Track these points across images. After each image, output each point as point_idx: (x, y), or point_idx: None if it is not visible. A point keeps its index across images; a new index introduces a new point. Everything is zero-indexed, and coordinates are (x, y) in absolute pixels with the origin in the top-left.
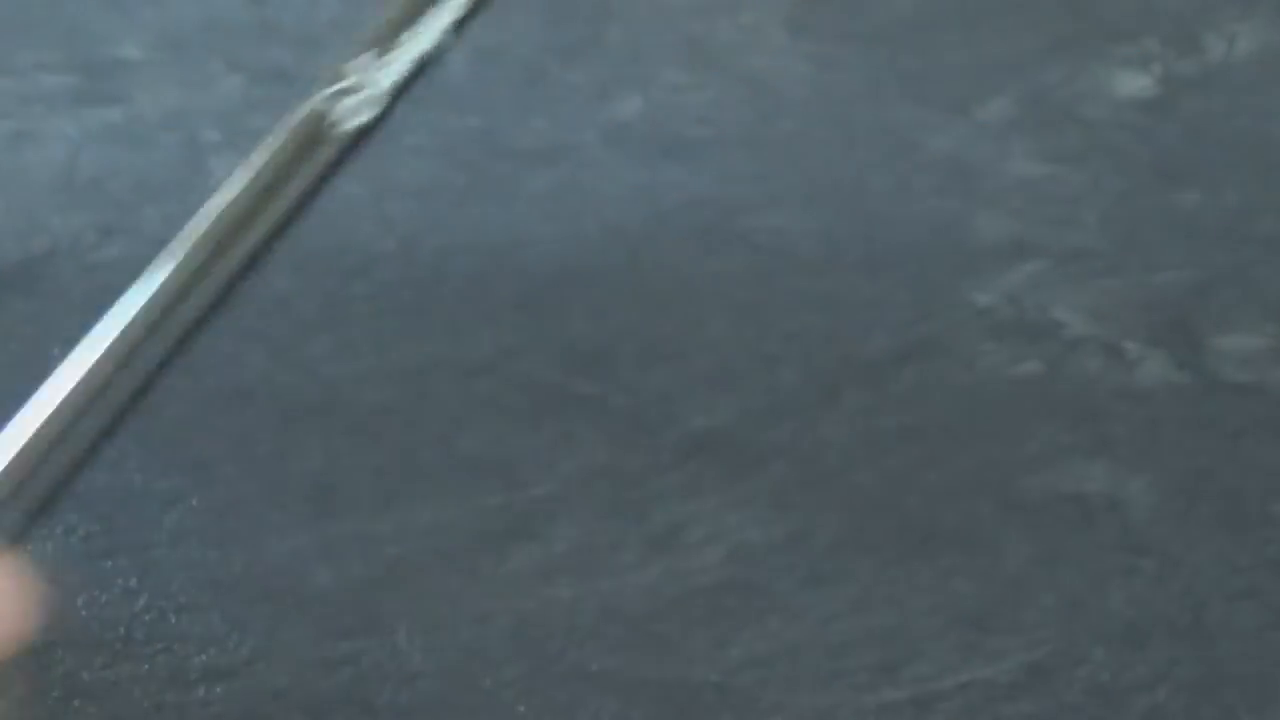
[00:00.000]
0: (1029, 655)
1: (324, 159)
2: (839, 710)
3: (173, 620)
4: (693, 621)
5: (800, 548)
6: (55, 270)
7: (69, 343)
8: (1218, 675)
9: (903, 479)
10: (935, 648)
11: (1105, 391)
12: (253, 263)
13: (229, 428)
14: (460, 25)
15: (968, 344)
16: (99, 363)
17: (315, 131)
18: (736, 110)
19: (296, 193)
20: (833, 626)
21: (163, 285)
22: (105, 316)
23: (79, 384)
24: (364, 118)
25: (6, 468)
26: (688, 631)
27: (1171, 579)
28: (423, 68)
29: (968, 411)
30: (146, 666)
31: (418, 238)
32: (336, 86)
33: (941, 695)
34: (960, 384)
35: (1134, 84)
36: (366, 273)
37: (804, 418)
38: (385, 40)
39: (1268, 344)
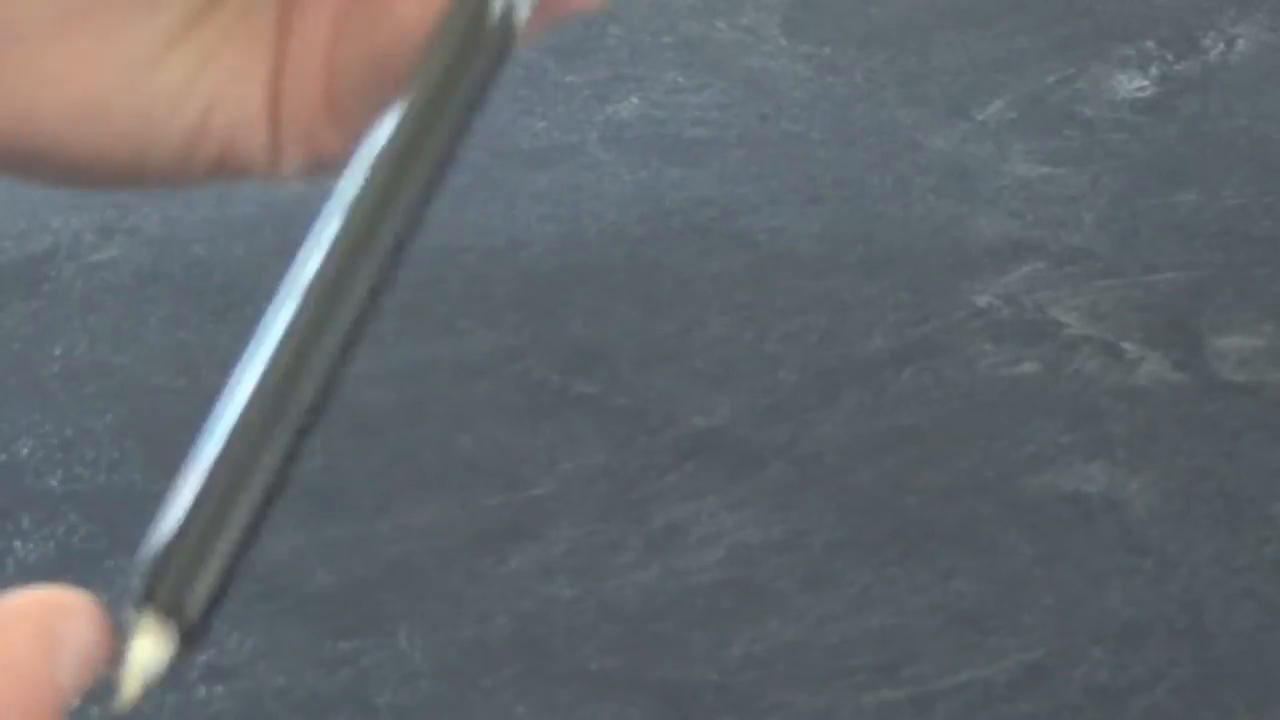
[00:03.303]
0: (1028, 655)
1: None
2: (838, 710)
3: None
4: (692, 621)
5: (799, 548)
6: (55, 270)
7: (69, 343)
8: (1216, 675)
9: (902, 479)
10: (934, 648)
11: (1104, 391)
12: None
13: None
14: None
15: (966, 344)
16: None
17: (477, 28)
18: (736, 110)
19: (463, 104)
20: (832, 626)
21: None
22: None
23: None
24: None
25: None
26: (687, 631)
27: (1170, 579)
28: None
29: (967, 411)
30: None
31: (418, 238)
32: None
33: (940, 695)
34: (959, 384)
35: (1132, 85)
36: None
37: (803, 418)
38: None
39: (1266, 344)
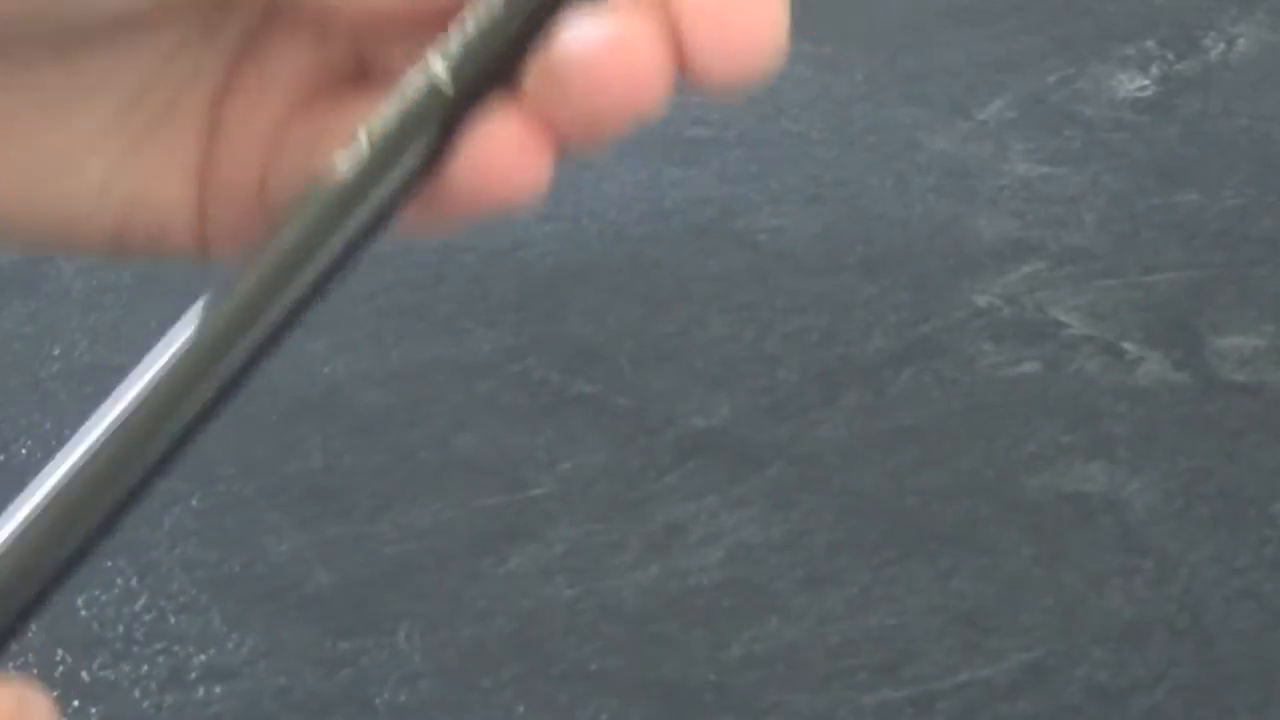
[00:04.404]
0: (1028, 655)
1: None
2: (838, 710)
3: (173, 620)
4: (692, 621)
5: (799, 548)
6: (55, 270)
7: (69, 343)
8: (1216, 675)
9: (902, 479)
10: (934, 648)
11: (1104, 391)
12: (353, 252)
13: (229, 428)
14: None
15: (967, 344)
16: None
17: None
18: (736, 110)
19: (408, 170)
20: (832, 626)
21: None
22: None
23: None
24: None
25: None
26: (687, 631)
27: (1170, 579)
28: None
29: (967, 411)
30: (146, 666)
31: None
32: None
33: (941, 695)
34: (959, 384)
35: (1132, 85)
36: (366, 273)
37: (803, 418)
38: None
39: (1266, 344)
